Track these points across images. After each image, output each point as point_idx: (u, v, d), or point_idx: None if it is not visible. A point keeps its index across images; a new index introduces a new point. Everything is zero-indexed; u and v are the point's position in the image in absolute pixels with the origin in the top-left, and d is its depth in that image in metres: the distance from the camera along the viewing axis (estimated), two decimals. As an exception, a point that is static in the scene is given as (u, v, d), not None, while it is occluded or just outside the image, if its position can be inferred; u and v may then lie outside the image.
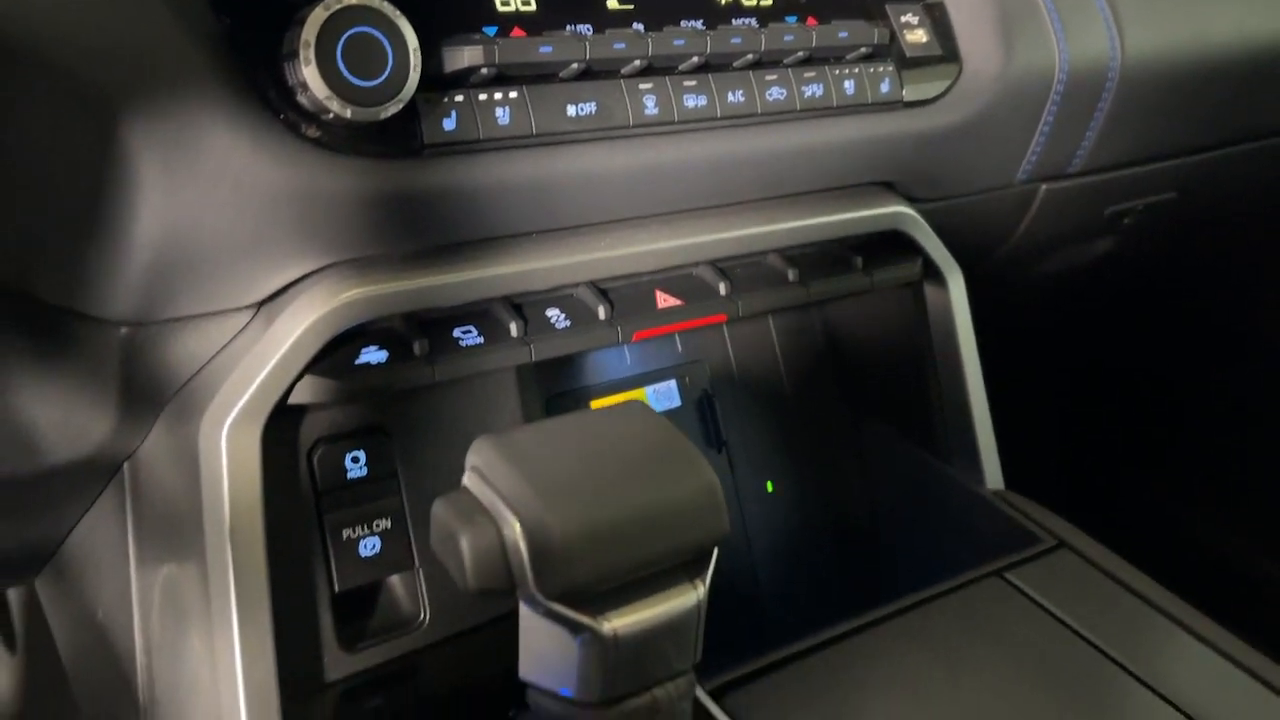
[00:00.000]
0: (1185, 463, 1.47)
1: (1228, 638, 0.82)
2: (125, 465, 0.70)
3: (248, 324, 0.64)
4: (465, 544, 0.53)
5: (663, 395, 0.97)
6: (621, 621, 0.53)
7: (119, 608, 0.74)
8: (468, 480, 0.56)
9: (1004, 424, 1.01)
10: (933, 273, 0.95)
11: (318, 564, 0.68)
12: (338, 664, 0.68)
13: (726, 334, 1.02)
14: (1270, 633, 0.87)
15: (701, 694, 0.70)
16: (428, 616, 0.71)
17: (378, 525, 0.70)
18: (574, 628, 0.53)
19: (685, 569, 0.57)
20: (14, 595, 1.03)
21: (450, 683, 0.69)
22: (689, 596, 0.56)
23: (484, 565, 0.52)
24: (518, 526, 0.52)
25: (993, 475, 0.97)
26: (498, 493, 0.54)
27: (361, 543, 0.70)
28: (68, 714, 0.91)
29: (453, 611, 0.72)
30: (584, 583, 0.52)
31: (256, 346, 0.62)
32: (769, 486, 1.02)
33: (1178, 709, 0.74)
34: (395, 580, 0.72)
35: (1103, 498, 1.49)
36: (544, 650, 0.56)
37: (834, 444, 1.06)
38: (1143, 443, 1.48)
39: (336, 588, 0.69)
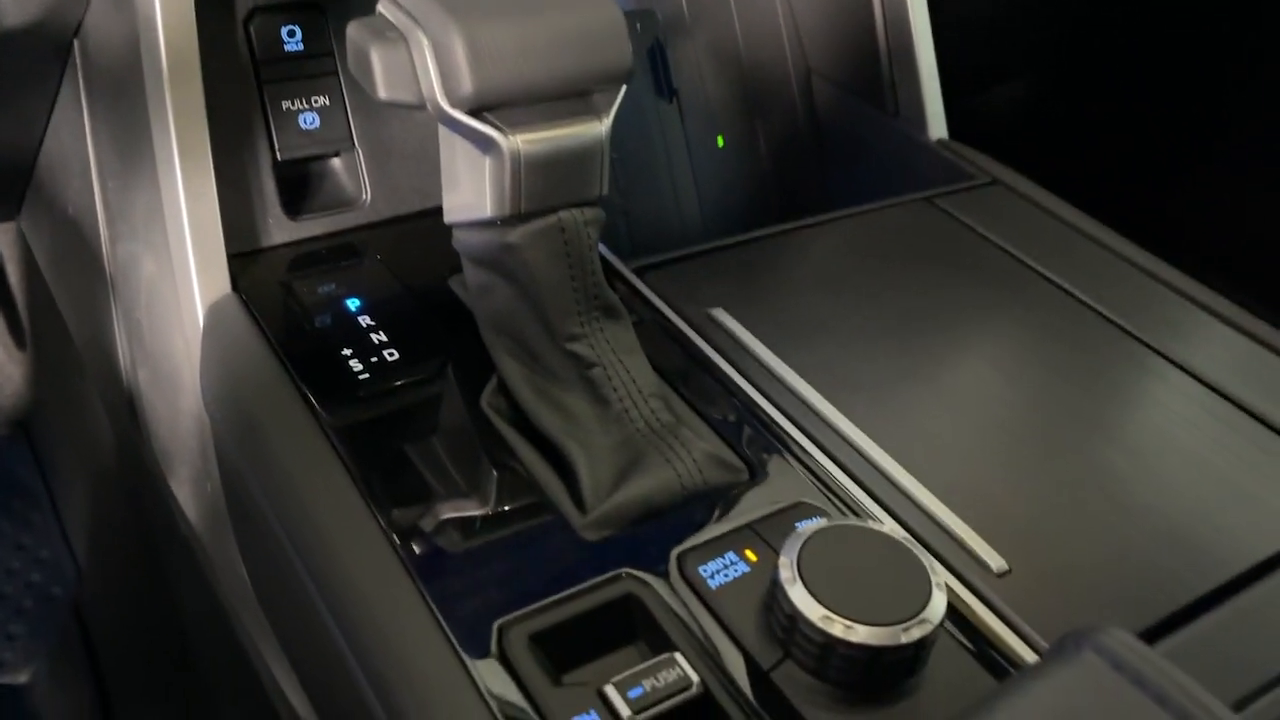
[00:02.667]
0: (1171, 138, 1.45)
1: (1167, 269, 0.86)
2: (75, 44, 0.73)
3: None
4: (375, 56, 0.56)
5: (614, 41, 0.99)
6: (525, 138, 0.56)
7: (84, 192, 0.79)
8: (381, 6, 0.59)
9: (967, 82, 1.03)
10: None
11: (259, 133, 0.72)
12: (282, 228, 0.73)
13: (681, -15, 1.03)
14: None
15: (624, 268, 0.75)
16: (369, 197, 0.76)
17: (316, 101, 0.74)
18: (482, 142, 0.57)
19: (590, 105, 0.60)
20: (2, 238, 1.09)
21: (394, 259, 0.73)
22: (593, 128, 0.59)
23: (393, 75, 0.56)
24: (424, 39, 0.55)
25: (936, 125, 1.00)
26: (407, 12, 0.57)
27: (301, 116, 0.73)
28: (61, 352, 0.98)
29: (395, 195, 0.77)
30: (486, 92, 0.55)
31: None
32: (720, 141, 1.05)
33: (1103, 316, 0.78)
34: (337, 163, 0.76)
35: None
36: (462, 177, 0.59)
37: (784, 98, 1.07)
38: (1126, 116, 1.46)
39: (279, 156, 0.73)
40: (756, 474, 0.60)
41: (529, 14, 0.57)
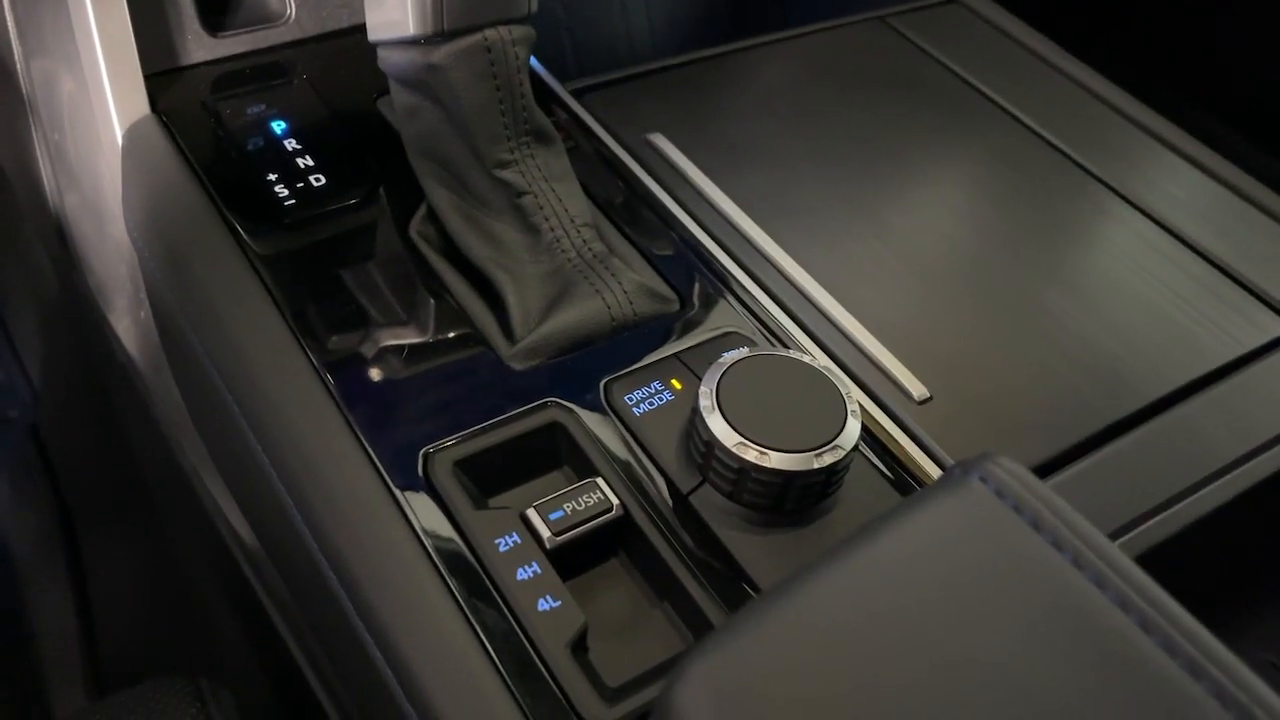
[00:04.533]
0: None
1: (1128, 100, 0.84)
2: None
3: None
4: None
5: None
6: (447, -53, 0.53)
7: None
8: None
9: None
10: None
11: (172, -58, 0.68)
12: (201, 46, 0.69)
13: None
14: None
15: (560, 89, 0.73)
16: (294, 12, 0.72)
17: (231, -93, 0.69)
18: (401, -45, 0.54)
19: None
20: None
21: (320, 78, 0.70)
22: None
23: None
24: None
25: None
26: None
27: (215, -74, 0.69)
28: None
29: (320, 12, 0.73)
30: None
31: None
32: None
33: (1050, 144, 0.77)
34: (258, -25, 0.72)
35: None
36: (383, -3, 0.57)
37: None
38: None
39: (194, -29, 0.69)
40: (687, 304, 0.60)
41: None
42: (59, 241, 0.78)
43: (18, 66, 0.74)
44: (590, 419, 0.53)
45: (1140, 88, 0.86)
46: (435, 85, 0.57)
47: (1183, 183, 0.76)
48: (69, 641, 1.15)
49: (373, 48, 0.59)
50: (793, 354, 0.52)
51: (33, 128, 0.75)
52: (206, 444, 0.70)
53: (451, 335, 0.57)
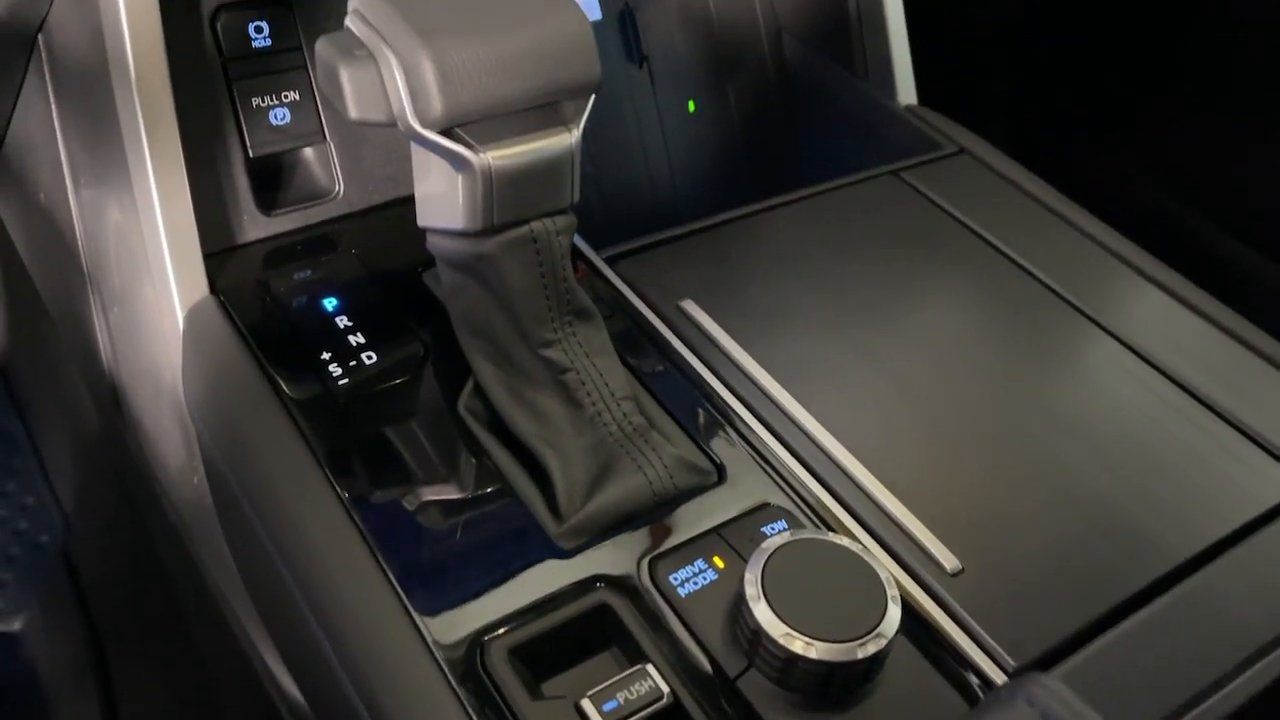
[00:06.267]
0: (1147, 130, 1.48)
1: (1131, 246, 0.88)
2: (40, 39, 0.73)
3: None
4: (345, 76, 0.56)
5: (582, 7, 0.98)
6: (496, 154, 0.57)
7: (55, 185, 0.79)
8: (349, 21, 0.59)
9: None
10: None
11: (230, 131, 0.72)
12: (256, 225, 0.73)
13: (650, -52, 1.01)
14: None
15: (596, 259, 0.77)
16: (342, 188, 0.76)
17: (286, 96, 0.73)
18: (454, 160, 0.57)
19: (559, 115, 0.61)
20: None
21: (369, 252, 0.74)
22: (563, 139, 0.60)
23: (363, 96, 0.56)
24: (393, 60, 0.56)
25: (905, 90, 1.00)
26: (375, 30, 0.57)
27: (271, 112, 0.73)
28: (36, 317, 0.98)
29: (367, 186, 0.77)
30: (455, 111, 0.56)
31: (145, -99, 0.63)
32: (690, 106, 1.05)
33: (1061, 297, 0.80)
34: (309, 154, 0.76)
35: (1055, 155, 1.50)
36: (434, 190, 0.60)
37: (755, 58, 1.07)
38: (1100, 101, 1.48)
39: (250, 153, 0.73)
40: (724, 475, 0.63)
41: (497, 29, 0.57)
42: (113, 404, 0.81)
43: (79, 244, 0.78)
44: (637, 599, 0.55)
45: (1140, 231, 0.90)
46: (483, 270, 0.60)
47: (1190, 333, 0.79)
48: (99, 769, 1.15)
49: (418, 225, 0.63)
50: (831, 537, 0.54)
51: (91, 299, 0.79)
52: (259, 608, 0.72)
53: (502, 514, 0.59)
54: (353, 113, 0.56)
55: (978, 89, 1.38)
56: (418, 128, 0.56)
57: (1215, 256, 1.30)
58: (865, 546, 0.57)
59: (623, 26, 1.00)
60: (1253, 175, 1.29)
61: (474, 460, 0.62)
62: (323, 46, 0.57)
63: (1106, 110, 1.42)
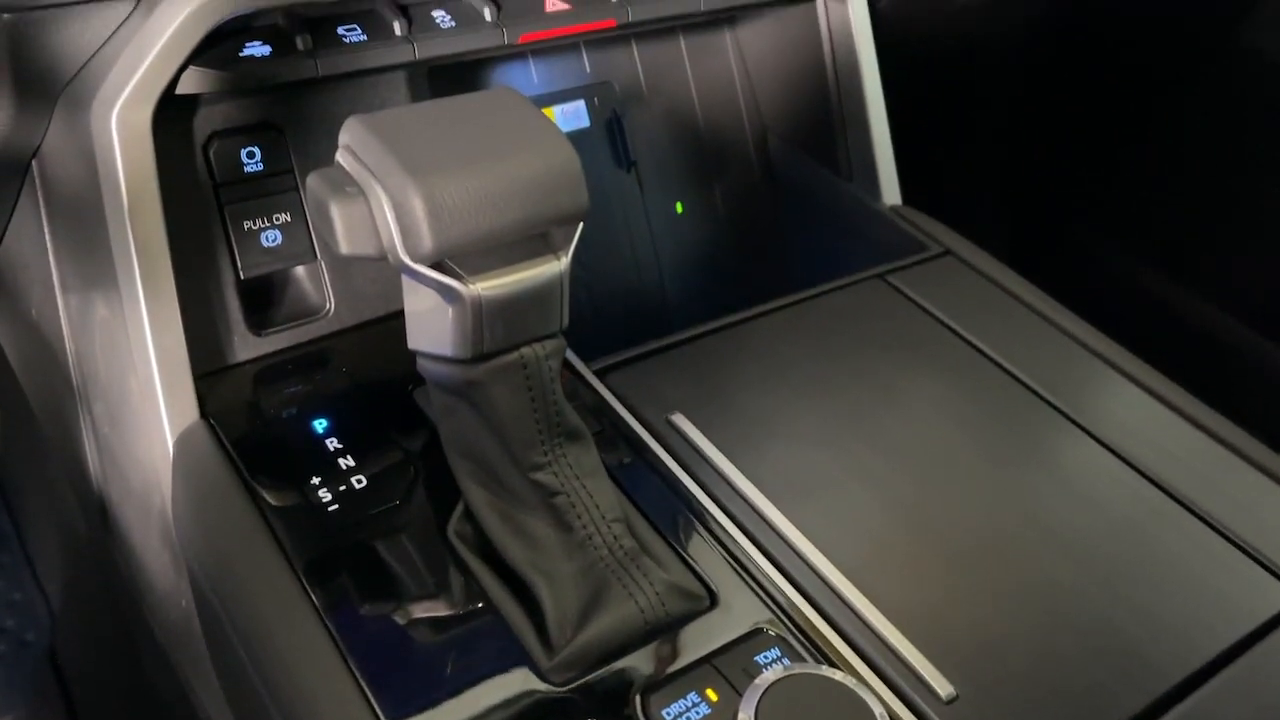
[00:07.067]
0: (1133, 213, 1.50)
1: (1116, 349, 0.88)
2: (34, 164, 0.74)
3: (130, 14, 0.66)
4: (335, 212, 0.57)
5: (571, 116, 1.00)
6: (486, 285, 0.58)
7: (46, 302, 0.79)
8: (340, 156, 0.60)
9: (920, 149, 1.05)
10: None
11: (222, 254, 0.73)
12: (247, 345, 0.73)
13: (636, 54, 1.04)
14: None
15: (587, 372, 0.77)
16: (333, 306, 0.77)
17: (277, 219, 0.74)
18: (444, 291, 0.58)
19: (548, 242, 0.61)
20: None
21: (359, 370, 0.74)
22: (552, 267, 0.60)
23: (354, 232, 0.57)
24: (383, 197, 0.57)
25: (890, 191, 1.02)
26: (365, 166, 0.58)
27: (263, 234, 0.74)
28: (26, 421, 0.98)
29: (358, 302, 0.78)
30: (446, 247, 0.56)
31: (139, 36, 0.65)
32: (678, 208, 1.06)
33: (1048, 402, 0.81)
34: (300, 273, 0.77)
35: (1039, 246, 1.53)
36: (425, 317, 0.61)
37: (741, 160, 1.09)
38: (1081, 188, 1.51)
39: (242, 275, 0.74)
40: (716, 599, 0.63)
41: (485, 163, 0.58)
42: (101, 521, 0.81)
43: (69, 361, 0.78)
44: (630, 738, 0.55)
45: (1131, 322, 0.91)
46: (473, 395, 0.60)
47: (1179, 439, 0.79)
48: None
49: (409, 347, 0.63)
50: (824, 670, 0.54)
51: (80, 416, 0.79)
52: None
53: (493, 647, 0.59)
54: (344, 248, 0.57)
55: (966, 185, 1.41)
56: (408, 262, 0.57)
57: (1214, 345, 1.32)
58: (859, 676, 0.57)
59: (610, 133, 1.01)
60: (1249, 266, 1.31)
61: (464, 589, 0.62)
62: (314, 182, 0.58)
63: (1097, 204, 1.45)
